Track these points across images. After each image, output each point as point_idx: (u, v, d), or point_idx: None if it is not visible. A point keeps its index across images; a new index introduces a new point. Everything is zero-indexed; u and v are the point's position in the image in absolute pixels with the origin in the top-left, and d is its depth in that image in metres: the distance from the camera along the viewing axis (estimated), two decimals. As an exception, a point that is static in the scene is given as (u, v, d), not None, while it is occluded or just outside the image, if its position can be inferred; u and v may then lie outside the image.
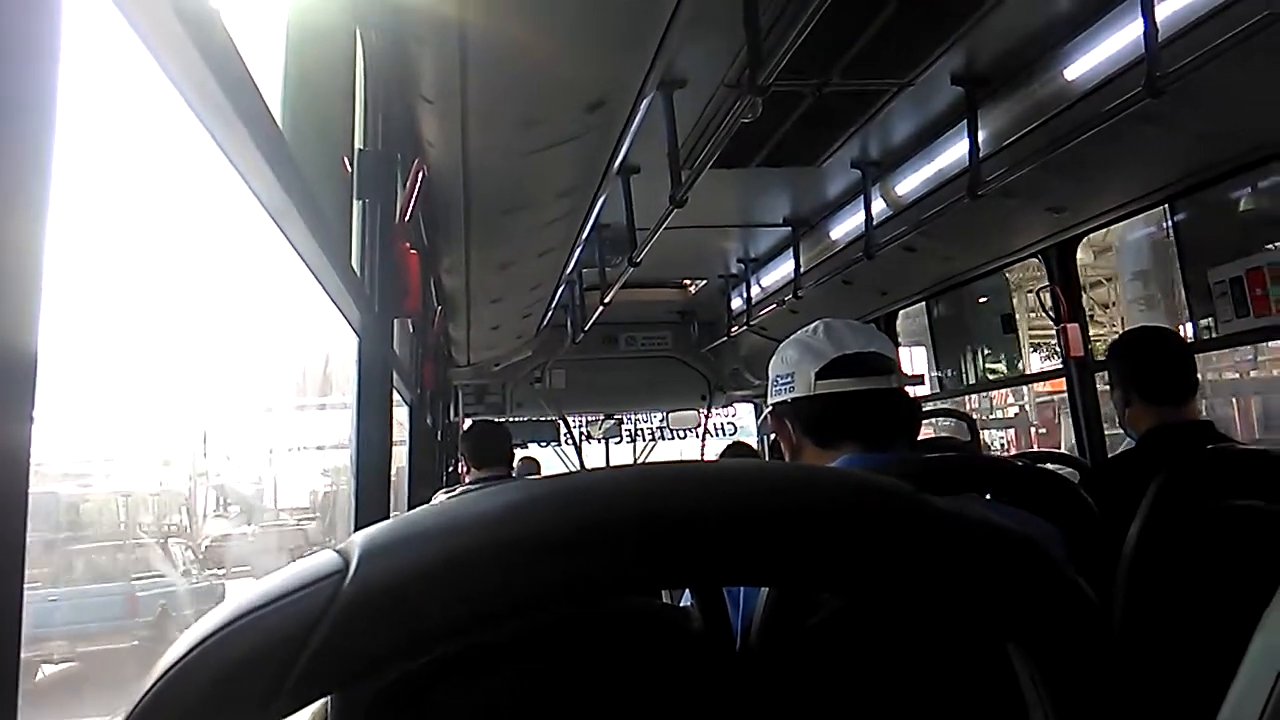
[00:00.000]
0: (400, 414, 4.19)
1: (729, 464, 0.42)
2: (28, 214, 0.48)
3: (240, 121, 0.97)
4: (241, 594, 0.35)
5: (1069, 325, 3.77)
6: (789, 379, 1.51)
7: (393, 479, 3.08)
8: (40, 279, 0.48)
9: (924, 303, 5.16)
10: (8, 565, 0.48)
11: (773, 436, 1.70)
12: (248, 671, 0.32)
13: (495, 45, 2.10)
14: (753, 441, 7.38)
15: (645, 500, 0.37)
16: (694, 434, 8.49)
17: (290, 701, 0.33)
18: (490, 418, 7.42)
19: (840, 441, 1.47)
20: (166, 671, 0.33)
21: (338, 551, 0.35)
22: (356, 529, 2.06)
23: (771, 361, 1.57)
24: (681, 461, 0.42)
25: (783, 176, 4.13)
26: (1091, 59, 2.57)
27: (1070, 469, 3.78)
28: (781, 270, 5.32)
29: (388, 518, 1.76)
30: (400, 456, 4.37)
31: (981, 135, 3.11)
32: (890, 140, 3.70)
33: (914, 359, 6.27)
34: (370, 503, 2.21)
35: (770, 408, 1.57)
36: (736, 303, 6.18)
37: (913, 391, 1.56)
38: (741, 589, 1.08)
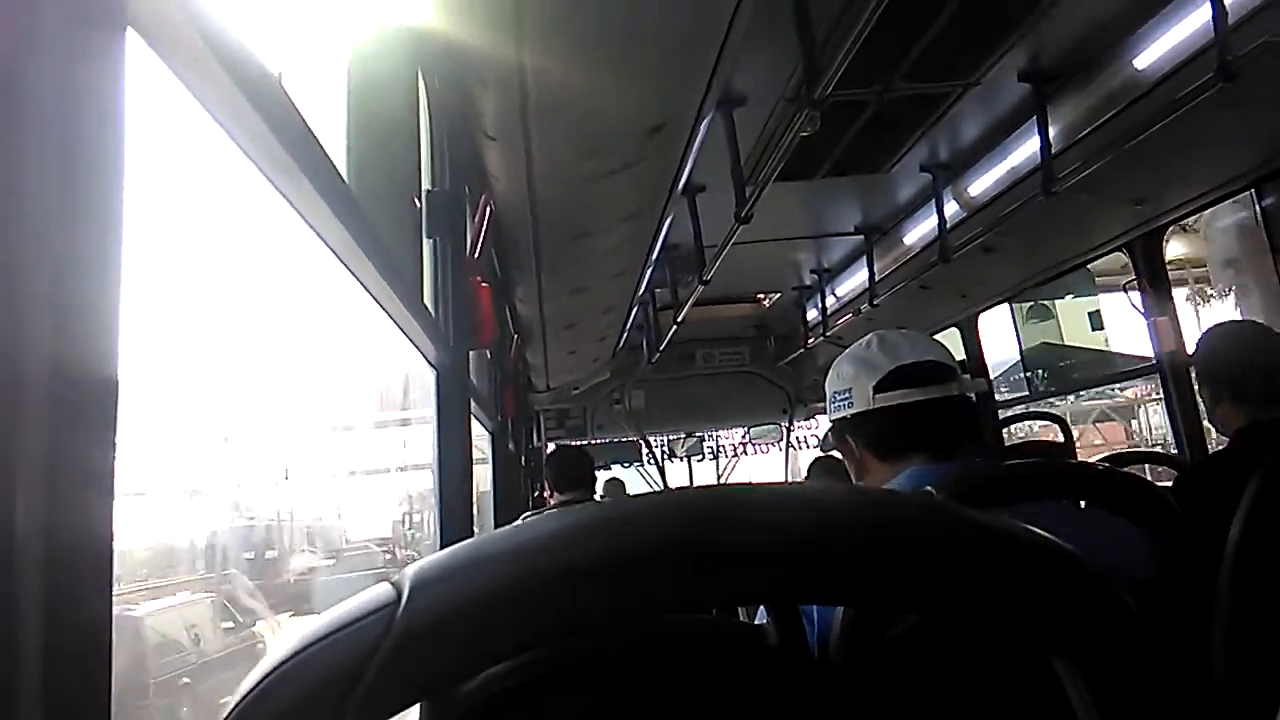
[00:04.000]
0: (485, 440, 4.28)
1: (770, 488, 0.42)
2: (104, 263, 0.51)
3: (305, 177, 1.01)
4: (303, 628, 0.37)
5: (1159, 319, 3.64)
6: (846, 394, 1.50)
7: (479, 503, 3.13)
8: (118, 318, 0.52)
9: (1007, 304, 5.04)
10: (98, 581, 0.51)
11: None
12: (310, 703, 0.34)
13: (553, 80, 2.15)
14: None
15: (685, 529, 0.37)
16: (777, 448, 8.42)
17: None
18: (571, 442, 7.50)
19: (904, 453, 1.45)
20: (237, 706, 0.35)
21: (392, 583, 0.37)
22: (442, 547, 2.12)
23: (827, 378, 1.56)
24: (728, 484, 0.42)
25: (851, 185, 4.09)
26: (1160, 47, 2.49)
27: (1169, 468, 3.64)
28: (856, 279, 5.26)
29: (469, 537, 1.80)
30: (486, 481, 4.45)
31: (1053, 131, 3.04)
32: (959, 141, 3.64)
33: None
34: (455, 533, 2.26)
35: (831, 424, 1.56)
36: (812, 314, 6.13)
37: (999, 394, 1.52)
38: (815, 606, 1.08)
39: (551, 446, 7.80)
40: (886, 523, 0.39)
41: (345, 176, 1.26)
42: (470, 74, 2.04)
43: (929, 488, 1.06)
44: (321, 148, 1.05)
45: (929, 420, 1.43)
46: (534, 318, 4.51)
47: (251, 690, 0.35)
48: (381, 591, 0.36)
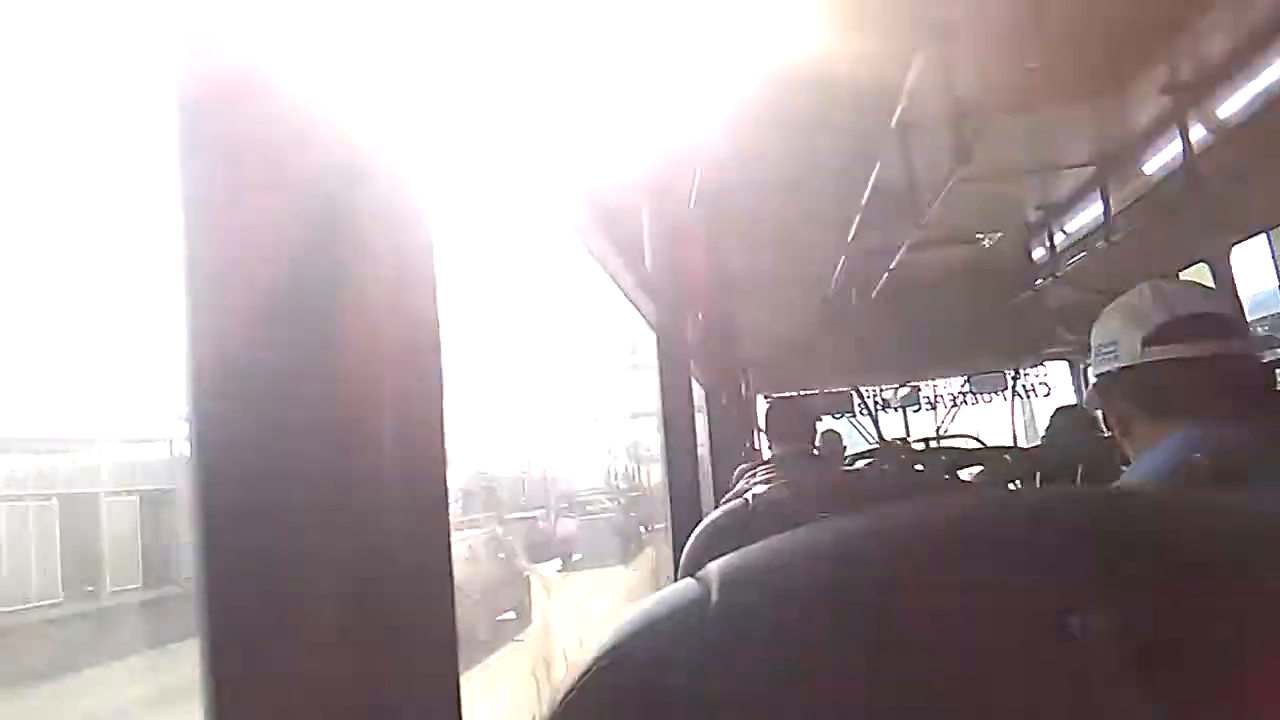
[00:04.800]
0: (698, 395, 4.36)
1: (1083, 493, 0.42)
2: (423, 267, 0.59)
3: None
4: (618, 625, 0.40)
5: None
6: (1112, 347, 1.39)
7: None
8: (437, 314, 0.60)
9: (1267, 235, 4.52)
10: (439, 559, 0.58)
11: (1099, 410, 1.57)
12: (628, 698, 0.37)
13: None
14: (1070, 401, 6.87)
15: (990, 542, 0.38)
16: (1001, 397, 8.02)
17: None
18: (780, 394, 7.47)
19: (1174, 414, 1.33)
20: (562, 702, 0.39)
21: (697, 579, 0.39)
22: (671, 511, 2.18)
23: (1093, 329, 1.46)
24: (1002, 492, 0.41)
25: (1081, 112, 3.79)
26: None
27: None
28: (1088, 214, 4.89)
29: (696, 498, 1.84)
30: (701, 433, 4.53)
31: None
32: (1205, 59, 3.28)
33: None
34: (681, 485, 2.34)
35: (1095, 378, 1.47)
36: (1038, 253, 5.76)
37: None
38: None
39: (760, 399, 7.81)
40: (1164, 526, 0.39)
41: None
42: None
43: (1197, 456, 0.98)
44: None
45: (1203, 379, 1.30)
46: (743, 271, 4.53)
47: (575, 686, 0.39)
48: (688, 589, 0.39)
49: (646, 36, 1.98)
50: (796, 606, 0.36)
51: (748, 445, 7.24)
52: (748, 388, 7.75)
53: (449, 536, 0.59)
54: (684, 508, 2.29)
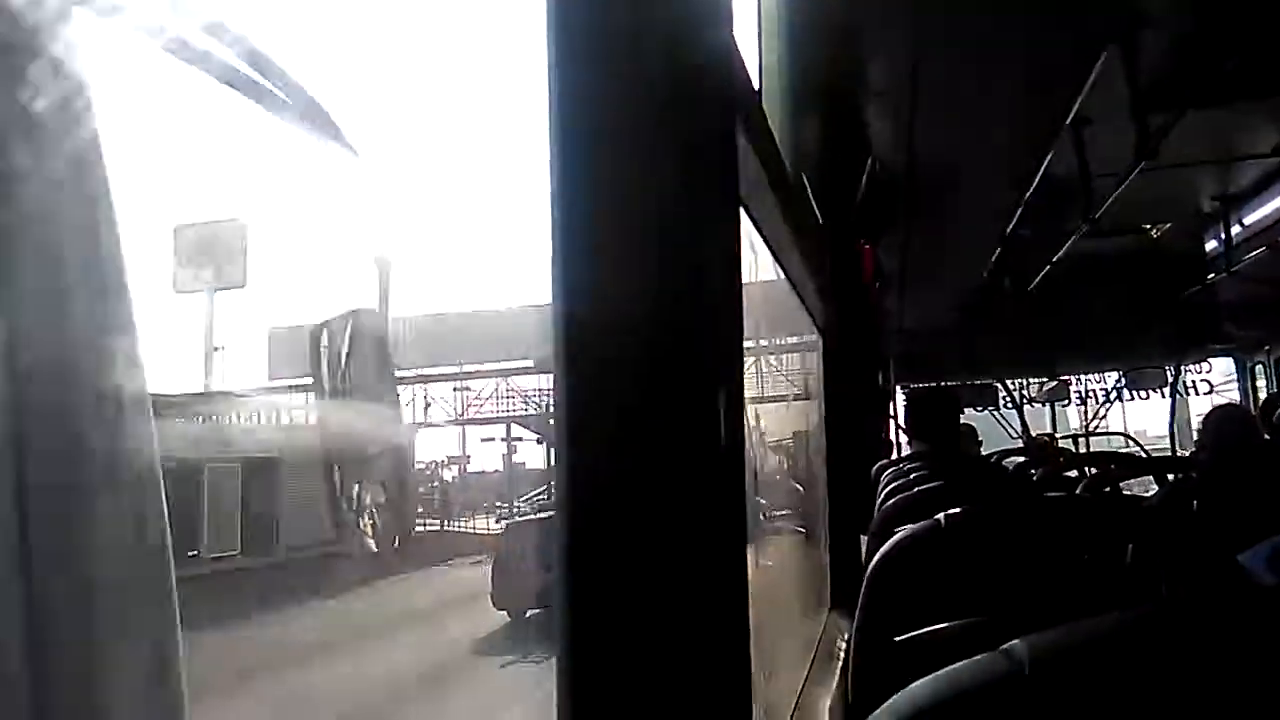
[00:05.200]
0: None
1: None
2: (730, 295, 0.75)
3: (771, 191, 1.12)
4: (914, 688, 0.41)
5: None
6: None
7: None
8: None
9: None
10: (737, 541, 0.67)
11: None
12: None
13: (945, 27, 2.11)
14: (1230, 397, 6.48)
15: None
16: (1159, 393, 7.59)
17: None
18: (927, 384, 7.26)
19: None
20: None
21: (1004, 654, 0.39)
22: (830, 497, 2.18)
23: None
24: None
25: (1269, 103, 3.54)
26: None
27: None
28: (1271, 205, 4.57)
29: (857, 496, 1.84)
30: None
31: None
32: None
33: None
34: (843, 484, 2.36)
35: None
36: (1211, 245, 5.42)
37: None
38: None
39: (899, 391, 7.61)
40: None
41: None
42: (862, 42, 2.06)
43: None
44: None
45: None
46: (895, 263, 4.45)
47: None
48: (997, 663, 0.39)
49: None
50: (1124, 697, 0.36)
51: (882, 435, 7.08)
52: (886, 379, 7.57)
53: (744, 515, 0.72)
54: (844, 504, 2.32)
